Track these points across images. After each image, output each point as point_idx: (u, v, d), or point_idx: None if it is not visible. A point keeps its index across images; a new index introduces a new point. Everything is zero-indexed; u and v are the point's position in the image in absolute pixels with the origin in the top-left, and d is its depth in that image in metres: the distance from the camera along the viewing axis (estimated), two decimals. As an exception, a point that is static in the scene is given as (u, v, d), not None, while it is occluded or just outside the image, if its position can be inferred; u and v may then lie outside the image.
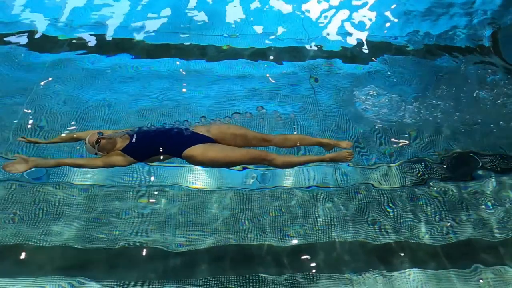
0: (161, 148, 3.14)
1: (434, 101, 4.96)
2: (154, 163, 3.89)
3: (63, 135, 3.49)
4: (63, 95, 4.61)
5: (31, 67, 4.91)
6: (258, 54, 5.60)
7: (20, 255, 3.35)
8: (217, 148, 3.13)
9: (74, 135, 3.43)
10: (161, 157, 3.20)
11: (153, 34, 5.68)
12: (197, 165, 3.38)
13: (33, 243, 3.40)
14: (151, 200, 3.79)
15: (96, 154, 3.11)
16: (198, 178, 4.06)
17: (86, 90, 4.72)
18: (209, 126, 3.27)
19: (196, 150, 3.09)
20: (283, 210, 3.87)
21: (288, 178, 4.13)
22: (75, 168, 3.73)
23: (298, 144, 3.58)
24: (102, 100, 4.58)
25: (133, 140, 3.14)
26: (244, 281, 3.38)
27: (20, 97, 4.48)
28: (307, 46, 5.80)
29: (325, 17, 6.36)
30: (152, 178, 3.95)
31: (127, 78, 4.97)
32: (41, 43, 5.28)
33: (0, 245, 3.38)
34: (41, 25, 5.53)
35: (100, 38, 5.50)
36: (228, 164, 3.32)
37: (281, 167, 3.36)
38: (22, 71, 4.85)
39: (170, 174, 4.03)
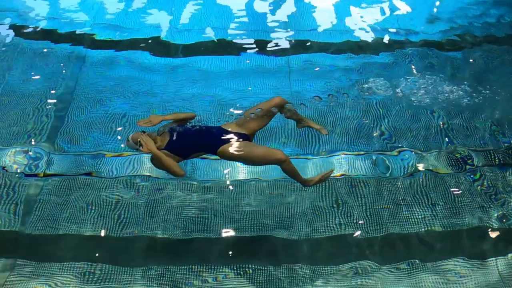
0: (200, 145, 3.32)
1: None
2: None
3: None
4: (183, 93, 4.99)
5: (154, 70, 5.31)
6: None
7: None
8: (244, 146, 3.29)
9: (181, 116, 3.60)
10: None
11: (259, 31, 5.98)
12: (229, 160, 3.55)
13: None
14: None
15: (137, 150, 3.29)
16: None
17: (195, 87, 5.06)
18: (237, 120, 3.49)
19: (226, 148, 3.26)
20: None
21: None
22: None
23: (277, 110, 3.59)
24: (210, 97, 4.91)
25: (174, 138, 3.31)
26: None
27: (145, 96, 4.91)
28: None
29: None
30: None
31: (230, 75, 5.28)
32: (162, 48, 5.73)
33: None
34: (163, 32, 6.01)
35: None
36: (252, 164, 3.58)
37: (286, 172, 3.38)
38: (147, 73, 5.26)
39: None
